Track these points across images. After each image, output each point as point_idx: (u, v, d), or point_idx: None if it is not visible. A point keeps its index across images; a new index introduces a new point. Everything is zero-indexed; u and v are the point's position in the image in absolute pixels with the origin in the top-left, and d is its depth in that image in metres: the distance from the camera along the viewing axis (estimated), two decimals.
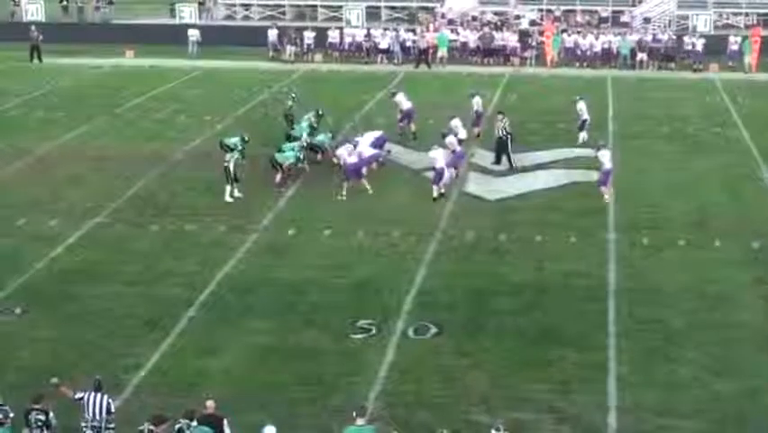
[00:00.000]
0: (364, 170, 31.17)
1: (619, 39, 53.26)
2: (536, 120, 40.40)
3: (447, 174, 30.77)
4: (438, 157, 30.65)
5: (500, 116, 34.58)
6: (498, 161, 33.87)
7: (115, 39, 57.35)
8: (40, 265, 25.56)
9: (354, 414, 16.67)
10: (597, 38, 53.40)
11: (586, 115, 36.70)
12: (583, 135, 36.36)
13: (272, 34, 54.81)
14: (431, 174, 30.90)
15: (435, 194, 30.29)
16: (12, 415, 16.69)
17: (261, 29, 56.07)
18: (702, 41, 52.40)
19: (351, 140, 33.16)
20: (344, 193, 30.29)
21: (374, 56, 54.02)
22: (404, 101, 37.62)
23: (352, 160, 30.86)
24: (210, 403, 16.83)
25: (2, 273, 24.90)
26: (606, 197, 30.00)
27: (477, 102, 37.61)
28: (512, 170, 33.43)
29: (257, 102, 43.62)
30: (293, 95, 37.83)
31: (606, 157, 30.41)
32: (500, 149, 33.93)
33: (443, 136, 32.31)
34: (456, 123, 34.45)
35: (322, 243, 27.23)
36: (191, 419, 16.32)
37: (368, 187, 30.61)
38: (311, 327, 22.21)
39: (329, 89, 46.06)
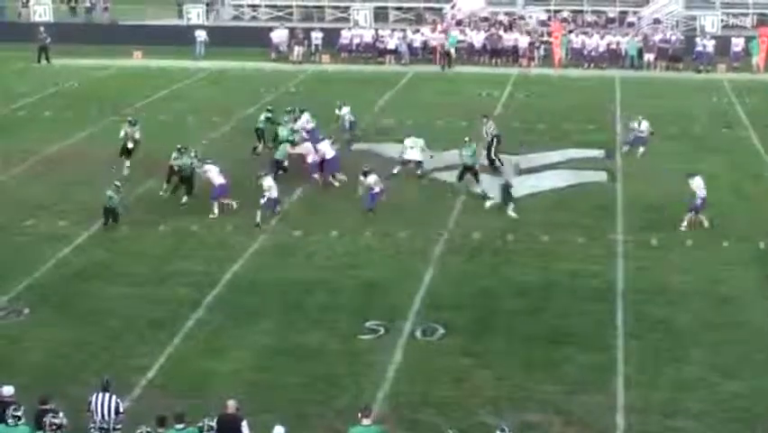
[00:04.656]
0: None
1: (627, 39, 53.24)
2: (544, 120, 40.42)
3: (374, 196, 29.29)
4: (273, 186, 28.67)
5: (485, 120, 34.39)
6: (491, 163, 33.70)
7: (123, 40, 57.38)
8: (48, 266, 25.61)
9: (359, 414, 16.69)
10: (602, 38, 53.33)
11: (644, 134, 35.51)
12: (642, 150, 35.32)
13: (275, 36, 54.78)
14: (263, 201, 28.56)
15: (258, 221, 28.25)
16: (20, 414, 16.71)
17: (269, 30, 56.04)
18: (713, 42, 52.39)
19: (314, 137, 33.25)
20: (337, 182, 31.06)
21: (383, 56, 54.08)
22: (348, 115, 36.90)
23: (312, 159, 31.32)
24: (231, 403, 16.81)
25: (10, 274, 24.94)
26: (705, 222, 28.14)
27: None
28: (494, 170, 33.24)
29: (264, 103, 43.62)
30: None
31: (698, 186, 28.36)
32: (488, 151, 33.83)
33: (365, 174, 29.59)
34: (409, 142, 33.09)
35: (329, 244, 27.24)
36: (180, 421, 16.34)
37: (336, 183, 31.15)
38: (318, 327, 22.22)
39: (337, 90, 46.05)
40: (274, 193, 28.58)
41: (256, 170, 29.97)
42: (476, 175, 31.35)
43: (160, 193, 30.21)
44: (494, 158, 33.62)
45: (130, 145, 33.32)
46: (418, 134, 33.74)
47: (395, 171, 32.51)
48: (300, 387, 19.65)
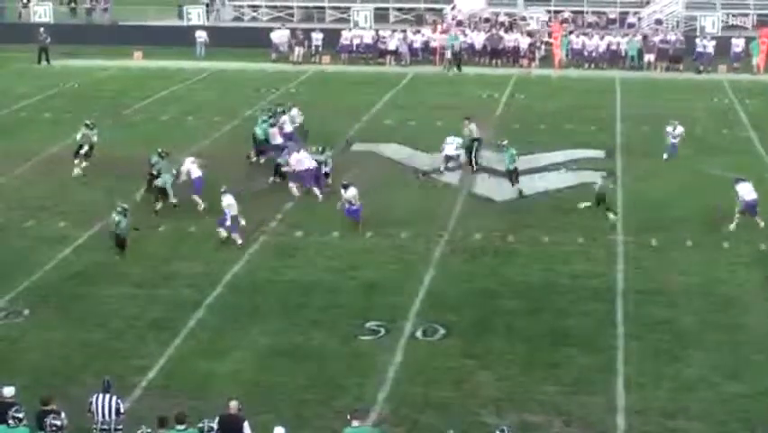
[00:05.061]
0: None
1: (627, 40, 53.26)
2: (544, 121, 40.45)
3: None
4: (232, 204, 27.10)
5: (466, 122, 34.26)
6: (472, 166, 33.70)
7: (123, 40, 57.45)
8: (48, 267, 25.61)
9: (348, 416, 16.71)
10: (602, 38, 53.36)
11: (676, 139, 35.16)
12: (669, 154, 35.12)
13: (276, 37, 54.76)
14: (226, 220, 27.10)
15: (241, 241, 27.08)
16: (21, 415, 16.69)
17: (269, 30, 56.03)
18: (713, 43, 52.38)
19: (293, 140, 33.06)
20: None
21: (384, 57, 54.13)
22: (298, 116, 36.37)
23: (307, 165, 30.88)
24: (233, 404, 16.79)
25: (11, 275, 24.94)
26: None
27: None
28: (473, 172, 33.32)
29: (265, 103, 43.62)
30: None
31: (745, 189, 28.13)
32: (468, 152, 33.84)
33: (345, 187, 28.29)
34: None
35: (330, 244, 27.24)
36: (181, 422, 16.32)
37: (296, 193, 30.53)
38: (319, 328, 22.22)
39: (338, 91, 46.10)
40: (233, 211, 27.05)
41: (255, 174, 29.96)
42: (514, 177, 31.33)
43: (156, 210, 29.50)
44: (475, 161, 33.59)
45: (85, 148, 33.19)
46: (419, 135, 33.74)
47: (441, 169, 33.04)
48: (301, 388, 19.65)
